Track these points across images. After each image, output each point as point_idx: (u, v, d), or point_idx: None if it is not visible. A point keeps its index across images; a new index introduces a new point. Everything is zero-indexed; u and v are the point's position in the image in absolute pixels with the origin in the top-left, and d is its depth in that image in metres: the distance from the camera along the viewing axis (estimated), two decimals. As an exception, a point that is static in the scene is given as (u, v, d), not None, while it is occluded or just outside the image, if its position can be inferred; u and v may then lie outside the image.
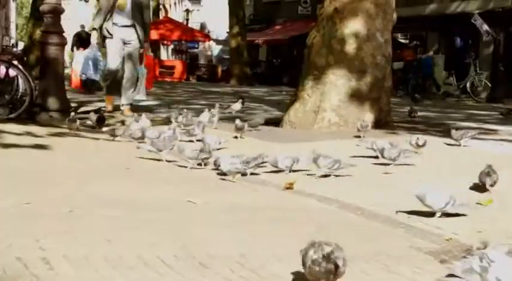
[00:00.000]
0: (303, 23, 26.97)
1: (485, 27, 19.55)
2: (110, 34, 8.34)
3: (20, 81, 7.70)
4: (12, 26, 70.82)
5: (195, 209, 3.32)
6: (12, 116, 7.23)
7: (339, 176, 4.35)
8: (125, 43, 8.43)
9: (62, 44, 7.71)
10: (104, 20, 8.34)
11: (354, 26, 7.16)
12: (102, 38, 8.46)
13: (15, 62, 8.01)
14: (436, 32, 24.94)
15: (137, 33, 8.39)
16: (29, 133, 6.02)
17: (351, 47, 7.16)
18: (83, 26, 19.33)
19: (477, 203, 3.57)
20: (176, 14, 55.17)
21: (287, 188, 3.94)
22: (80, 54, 14.84)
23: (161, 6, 52.03)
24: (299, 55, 17.99)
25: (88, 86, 13.86)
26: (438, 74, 20.72)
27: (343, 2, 7.20)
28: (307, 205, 3.58)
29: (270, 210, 3.39)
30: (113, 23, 8.33)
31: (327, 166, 4.26)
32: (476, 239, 2.88)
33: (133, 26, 8.38)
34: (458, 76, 20.18)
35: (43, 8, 7.65)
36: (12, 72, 7.75)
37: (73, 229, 2.75)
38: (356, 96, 7.13)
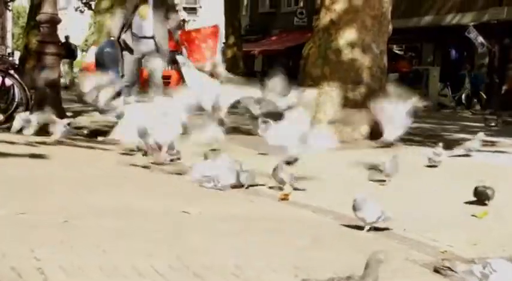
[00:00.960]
0: (299, 34, 27.04)
1: (480, 39, 19.65)
2: (129, 48, 7.24)
3: (16, 90, 7.69)
4: (9, 35, 70.81)
5: (191, 218, 3.32)
6: (8, 125, 7.22)
7: (335, 187, 4.35)
8: (142, 57, 7.33)
9: (58, 53, 7.71)
10: (122, 30, 7.27)
11: (349, 37, 7.19)
12: (121, 50, 7.39)
13: (12, 72, 8.00)
14: (432, 44, 25.05)
15: (157, 46, 7.26)
16: (24, 142, 6.01)
17: (346, 58, 7.19)
18: (67, 37, 19.46)
19: (472, 216, 3.58)
20: (172, 24, 55.20)
21: (282, 199, 3.94)
22: None
23: (157, 17, 52.01)
24: (295, 66, 18.05)
25: None
26: (433, 86, 20.81)
27: (339, 13, 7.23)
28: (303, 216, 3.58)
29: (265, 221, 3.39)
30: (132, 34, 7.25)
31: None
32: (471, 251, 2.89)
33: (153, 37, 7.26)
34: (454, 88, 20.27)
35: (40, 17, 7.66)
36: (8, 82, 7.74)
37: (68, 238, 2.74)
38: (351, 107, 7.15)
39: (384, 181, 4.67)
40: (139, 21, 7.22)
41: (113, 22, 7.41)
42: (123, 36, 7.24)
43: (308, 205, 3.81)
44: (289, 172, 4.26)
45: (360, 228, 3.19)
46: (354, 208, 3.12)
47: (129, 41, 7.22)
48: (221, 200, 3.91)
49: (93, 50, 13.93)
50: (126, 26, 7.21)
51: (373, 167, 4.85)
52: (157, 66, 7.37)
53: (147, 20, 7.23)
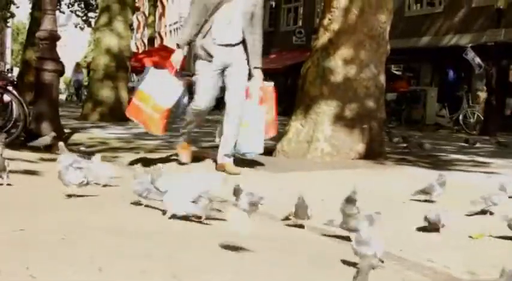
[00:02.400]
0: (297, 53, 27.15)
1: (477, 60, 19.73)
2: (210, 56, 5.83)
3: (14, 106, 7.71)
4: (8, 52, 71.13)
5: (188, 235, 3.31)
6: (5, 141, 7.21)
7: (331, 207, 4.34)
8: (224, 69, 5.91)
9: (57, 70, 7.73)
10: (196, 34, 5.85)
11: (347, 57, 7.23)
12: (194, 60, 5.95)
13: (10, 88, 8.02)
14: (430, 64, 25.17)
15: (246, 55, 5.93)
16: (22, 159, 6.00)
17: (344, 77, 7.22)
18: None
19: (469, 237, 3.57)
20: (172, 42, 55.48)
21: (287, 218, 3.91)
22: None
23: (156, 34, 52.35)
24: (293, 84, 18.10)
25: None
26: (431, 106, 20.89)
27: (337, 33, 7.27)
28: (300, 235, 3.57)
29: (262, 239, 3.38)
30: (212, 40, 5.84)
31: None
32: (467, 273, 2.89)
33: (241, 44, 5.91)
34: (451, 108, 20.34)
35: (39, 34, 7.69)
36: (6, 98, 7.76)
37: (64, 256, 2.73)
38: (349, 126, 7.17)
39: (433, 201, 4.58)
40: (222, 25, 5.82)
41: (185, 26, 5.92)
42: (202, 41, 5.82)
43: (305, 223, 3.80)
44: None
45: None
46: (354, 241, 2.83)
47: (211, 49, 5.80)
48: (219, 216, 3.90)
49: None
50: (205, 30, 5.81)
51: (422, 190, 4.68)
52: (241, 76, 5.93)
53: (233, 21, 5.85)
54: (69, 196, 4.14)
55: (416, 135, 11.86)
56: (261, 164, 6.37)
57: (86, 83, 31.52)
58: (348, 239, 3.42)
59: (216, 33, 5.79)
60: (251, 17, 5.86)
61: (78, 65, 33.21)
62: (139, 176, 4.11)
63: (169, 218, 3.65)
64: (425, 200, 4.65)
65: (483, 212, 4.21)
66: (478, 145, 11.16)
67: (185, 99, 6.14)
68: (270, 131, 6.18)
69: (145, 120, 5.87)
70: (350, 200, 3.36)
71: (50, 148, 6.55)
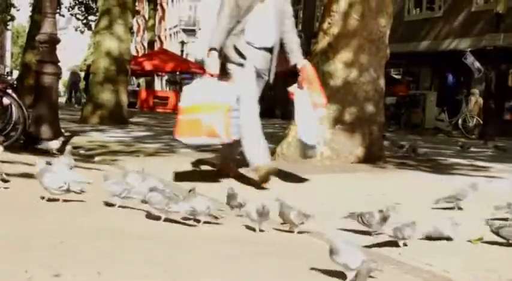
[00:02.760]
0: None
1: (477, 64, 19.77)
2: (243, 57, 5.33)
3: (14, 109, 7.71)
4: (8, 55, 71.18)
5: (186, 240, 3.31)
6: (5, 144, 7.21)
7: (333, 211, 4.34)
8: (258, 76, 5.44)
9: (57, 73, 7.74)
10: (228, 35, 5.31)
11: (347, 60, 7.23)
12: (222, 65, 5.35)
13: (10, 91, 8.02)
14: (429, 69, 25.21)
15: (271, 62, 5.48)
16: (21, 162, 6.00)
17: (343, 81, 7.22)
18: None
19: (468, 241, 3.57)
20: (172, 46, 55.57)
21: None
22: None
23: (156, 38, 52.40)
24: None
25: None
26: (430, 110, 20.91)
27: (337, 37, 7.28)
28: (299, 239, 3.57)
29: (261, 244, 3.38)
30: (247, 43, 5.34)
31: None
32: (466, 277, 2.89)
33: (274, 48, 5.45)
34: (450, 112, 20.37)
35: (39, 37, 7.70)
36: (6, 101, 7.76)
37: (63, 260, 2.73)
38: (349, 130, 7.17)
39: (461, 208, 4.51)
40: (256, 26, 5.34)
41: (217, 27, 5.30)
42: (234, 42, 5.30)
43: (304, 228, 3.80)
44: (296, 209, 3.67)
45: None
46: (332, 252, 2.68)
47: (245, 50, 5.32)
48: (216, 221, 3.90)
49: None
50: (237, 30, 5.31)
51: (451, 197, 4.56)
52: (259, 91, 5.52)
53: (268, 20, 5.38)
54: (49, 200, 4.10)
55: (413, 140, 11.88)
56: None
57: (82, 86, 31.58)
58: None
59: (250, 34, 5.31)
60: (283, 14, 5.45)
61: (73, 73, 33.37)
62: (111, 176, 4.12)
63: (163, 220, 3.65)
64: (427, 205, 4.64)
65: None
66: (472, 149, 11.17)
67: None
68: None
69: (206, 130, 5.01)
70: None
71: (58, 152, 6.55)
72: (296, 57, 5.49)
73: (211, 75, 5.16)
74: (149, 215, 3.84)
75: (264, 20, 5.34)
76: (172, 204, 3.66)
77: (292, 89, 5.48)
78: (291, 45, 5.46)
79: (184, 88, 5.37)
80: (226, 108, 5.06)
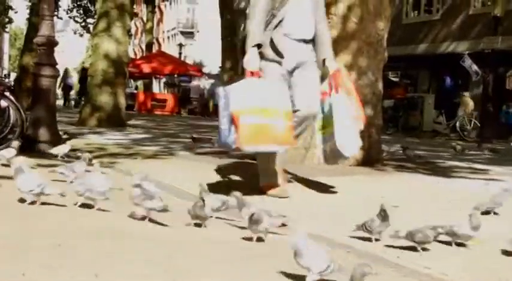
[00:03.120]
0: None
1: (475, 67, 19.83)
2: (280, 54, 4.92)
3: (11, 112, 7.70)
4: (5, 57, 71.17)
5: (186, 240, 3.31)
6: (2, 147, 7.20)
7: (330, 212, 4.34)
8: (293, 70, 4.98)
9: (55, 76, 7.74)
10: (265, 28, 4.90)
11: (345, 63, 7.23)
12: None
13: (7, 93, 8.01)
14: (427, 71, 25.25)
15: (316, 52, 5.07)
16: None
17: (342, 84, 7.21)
18: None
19: (466, 243, 3.57)
20: (170, 48, 55.60)
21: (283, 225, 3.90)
22: None
23: (154, 40, 52.44)
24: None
25: None
26: (428, 113, 20.93)
27: (335, 39, 7.25)
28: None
29: (259, 246, 3.37)
30: (284, 35, 4.94)
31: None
32: (465, 279, 2.88)
33: (313, 41, 5.06)
34: (448, 115, 20.40)
35: (37, 40, 7.69)
36: (3, 103, 7.75)
37: (61, 261, 2.72)
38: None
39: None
40: (294, 18, 4.95)
41: (252, 19, 4.84)
42: (269, 35, 4.89)
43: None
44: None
45: (351, 255, 3.19)
46: (296, 254, 2.60)
47: (282, 46, 4.90)
48: (214, 223, 3.89)
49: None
50: (273, 24, 4.90)
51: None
52: (316, 85, 5.04)
53: (305, 10, 5.01)
54: (22, 201, 4.06)
55: (411, 142, 11.87)
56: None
57: (77, 89, 31.57)
58: (343, 245, 3.43)
59: (288, 27, 4.90)
60: (317, 4, 5.10)
61: (66, 71, 33.26)
62: (81, 176, 4.18)
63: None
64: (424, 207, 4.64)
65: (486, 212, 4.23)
66: (466, 152, 11.17)
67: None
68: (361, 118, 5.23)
69: (275, 136, 4.55)
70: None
71: (67, 157, 6.56)
72: (326, 51, 5.07)
73: (252, 74, 4.71)
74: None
75: (302, 10, 4.96)
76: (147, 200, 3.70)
77: (324, 88, 5.04)
78: (322, 38, 5.06)
79: (230, 91, 4.61)
80: (288, 113, 4.67)
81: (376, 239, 3.47)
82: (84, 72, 30.45)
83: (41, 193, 3.98)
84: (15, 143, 6.26)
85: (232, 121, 4.46)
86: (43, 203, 4.02)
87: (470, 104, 19.76)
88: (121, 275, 2.56)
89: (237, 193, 3.71)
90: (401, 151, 8.84)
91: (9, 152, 5.77)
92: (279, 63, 4.89)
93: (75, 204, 4.03)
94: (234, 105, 4.48)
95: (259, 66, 4.79)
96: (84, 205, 4.06)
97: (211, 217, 3.73)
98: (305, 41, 4.97)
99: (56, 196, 4.01)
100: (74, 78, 34.11)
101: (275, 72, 4.86)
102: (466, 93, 20.33)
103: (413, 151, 8.92)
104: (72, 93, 33.73)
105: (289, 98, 4.75)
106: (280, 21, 4.88)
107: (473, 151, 11.94)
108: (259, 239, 3.40)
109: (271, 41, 4.87)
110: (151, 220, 3.73)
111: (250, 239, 3.40)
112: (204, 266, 2.83)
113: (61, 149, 6.61)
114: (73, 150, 6.87)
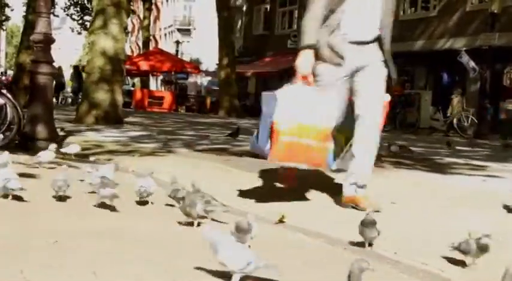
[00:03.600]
0: (292, 56, 27.13)
1: (472, 64, 19.84)
2: (341, 57, 4.43)
3: (9, 109, 7.69)
4: (2, 55, 71.07)
5: (186, 240, 3.30)
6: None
7: (329, 209, 4.34)
8: (354, 74, 4.51)
9: (52, 73, 7.73)
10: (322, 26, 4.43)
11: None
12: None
13: (4, 91, 8.00)
14: (424, 68, 25.26)
15: (383, 53, 4.61)
16: (15, 162, 5.98)
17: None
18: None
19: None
20: (167, 45, 55.54)
21: (280, 221, 3.91)
22: None
23: (151, 38, 52.37)
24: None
25: None
26: (425, 110, 20.95)
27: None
28: (295, 239, 3.57)
29: (258, 244, 3.37)
30: (343, 35, 4.43)
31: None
32: (462, 276, 2.89)
33: (377, 40, 4.57)
34: (445, 112, 20.42)
35: (33, 37, 7.68)
36: (0, 101, 7.74)
37: (59, 261, 2.72)
38: (344, 130, 7.14)
39: None
40: (354, 17, 4.43)
41: (305, 23, 4.43)
42: (328, 38, 4.39)
43: (300, 227, 3.80)
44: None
45: (348, 251, 3.19)
46: (212, 250, 2.52)
47: (342, 48, 4.41)
48: (212, 224, 3.89)
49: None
50: (332, 24, 4.41)
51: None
52: (380, 90, 4.57)
53: (370, 12, 4.47)
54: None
55: (408, 139, 11.87)
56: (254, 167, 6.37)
57: (70, 86, 31.51)
58: (342, 243, 3.43)
59: (347, 26, 4.40)
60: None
61: (59, 68, 33.20)
62: (62, 172, 4.24)
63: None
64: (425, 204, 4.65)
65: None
66: (457, 147, 11.20)
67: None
68: None
69: (307, 156, 4.31)
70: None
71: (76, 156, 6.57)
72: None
73: (304, 78, 4.36)
74: (149, 216, 3.83)
75: (365, 7, 4.44)
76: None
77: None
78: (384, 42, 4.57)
79: (278, 96, 4.31)
80: (327, 132, 4.33)
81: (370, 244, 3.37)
82: (76, 70, 30.45)
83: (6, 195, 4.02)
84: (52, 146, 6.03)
85: (271, 132, 4.29)
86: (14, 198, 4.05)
87: (457, 105, 19.77)
88: (121, 275, 2.55)
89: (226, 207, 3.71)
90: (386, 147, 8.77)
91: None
92: (337, 65, 4.41)
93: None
94: (277, 117, 4.24)
95: (313, 70, 4.39)
96: (84, 205, 4.06)
97: (206, 217, 3.69)
98: (365, 43, 4.46)
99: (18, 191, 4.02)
100: (67, 77, 33.98)
101: (331, 76, 4.41)
102: (454, 95, 20.29)
103: (396, 146, 8.80)
104: (66, 91, 33.59)
105: (336, 110, 4.35)
106: (339, 19, 4.37)
107: (464, 146, 11.96)
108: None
109: (330, 43, 4.40)
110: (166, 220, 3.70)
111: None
112: (204, 266, 2.83)
113: (72, 149, 6.59)
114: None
